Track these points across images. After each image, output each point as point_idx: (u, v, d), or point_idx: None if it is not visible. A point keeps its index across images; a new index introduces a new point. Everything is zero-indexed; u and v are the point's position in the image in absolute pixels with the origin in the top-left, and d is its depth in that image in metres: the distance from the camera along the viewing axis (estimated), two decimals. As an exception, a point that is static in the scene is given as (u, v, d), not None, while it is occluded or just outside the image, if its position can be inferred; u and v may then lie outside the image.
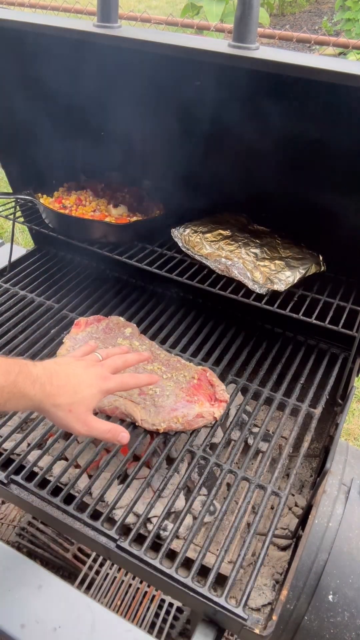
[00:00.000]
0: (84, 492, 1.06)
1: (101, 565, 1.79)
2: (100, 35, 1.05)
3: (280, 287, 1.28)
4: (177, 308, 1.55)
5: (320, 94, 1.10)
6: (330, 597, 1.04)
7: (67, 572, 1.84)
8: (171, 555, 1.03)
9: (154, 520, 1.08)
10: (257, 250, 1.37)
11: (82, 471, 1.11)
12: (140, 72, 1.32)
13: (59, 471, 1.11)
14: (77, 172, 1.69)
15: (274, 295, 1.28)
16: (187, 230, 1.43)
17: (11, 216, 1.59)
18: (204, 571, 0.98)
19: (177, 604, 1.71)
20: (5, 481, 1.07)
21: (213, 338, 1.44)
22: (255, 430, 1.35)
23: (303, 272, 1.32)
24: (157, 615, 1.69)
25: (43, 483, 1.07)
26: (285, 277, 1.30)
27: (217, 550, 1.01)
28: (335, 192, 1.28)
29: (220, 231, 1.43)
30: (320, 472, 1.13)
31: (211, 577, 0.93)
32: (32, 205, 1.61)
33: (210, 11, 5.06)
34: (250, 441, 1.32)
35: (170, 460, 1.22)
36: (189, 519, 1.12)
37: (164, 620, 1.68)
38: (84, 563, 1.81)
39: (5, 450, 1.15)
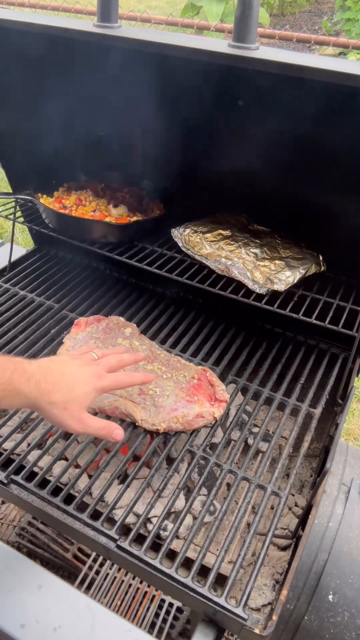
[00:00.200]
0: (84, 492, 1.06)
1: (101, 565, 1.79)
2: (100, 35, 1.05)
3: (280, 287, 1.28)
4: (177, 308, 1.55)
5: (321, 94, 1.09)
6: (330, 597, 1.04)
7: (67, 572, 1.84)
8: (171, 555, 1.03)
9: (154, 520, 1.08)
10: (257, 250, 1.37)
11: (82, 471, 1.11)
12: (140, 72, 1.32)
13: (59, 471, 1.11)
14: (77, 172, 1.69)
15: (274, 295, 1.28)
16: (187, 230, 1.43)
17: (11, 216, 1.59)
18: (204, 571, 0.98)
19: (177, 604, 1.71)
20: (5, 481, 1.07)
21: (213, 338, 1.44)
22: (255, 430, 1.35)
23: (303, 272, 1.32)
24: (157, 615, 1.69)
25: (43, 483, 1.07)
26: (285, 277, 1.30)
27: (217, 550, 1.01)
28: (335, 192, 1.28)
29: (220, 231, 1.43)
30: (320, 472, 1.13)
31: (211, 577, 0.93)
32: (32, 205, 1.61)
33: (210, 11, 5.06)
34: (250, 441, 1.32)
35: (170, 460, 1.22)
36: (189, 519, 1.12)
37: (164, 620, 1.68)
38: (84, 563, 1.81)
39: (5, 450, 1.15)
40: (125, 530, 1.05)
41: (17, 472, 1.09)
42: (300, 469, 1.31)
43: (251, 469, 1.28)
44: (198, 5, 5.29)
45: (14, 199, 1.60)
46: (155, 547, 1.02)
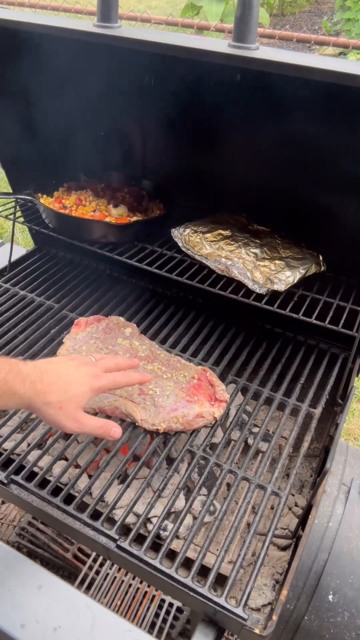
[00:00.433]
0: (84, 492, 1.06)
1: (101, 565, 1.79)
2: (100, 35, 1.05)
3: (280, 287, 1.28)
4: (177, 308, 1.55)
5: (321, 94, 1.09)
6: (330, 597, 1.04)
7: (67, 572, 1.84)
8: (171, 555, 1.03)
9: (154, 520, 1.08)
10: (257, 250, 1.37)
11: (82, 471, 1.11)
12: (140, 72, 1.32)
13: (59, 471, 1.11)
14: (77, 172, 1.69)
15: (274, 295, 1.28)
16: (187, 230, 1.43)
17: (11, 216, 1.59)
18: (204, 571, 0.98)
19: (177, 604, 1.71)
20: (5, 481, 1.07)
21: (213, 338, 1.44)
22: (255, 430, 1.35)
23: (303, 272, 1.32)
24: (157, 615, 1.69)
25: (43, 483, 1.07)
26: (285, 277, 1.30)
27: (217, 550, 1.01)
28: (335, 192, 1.28)
29: (220, 231, 1.43)
30: (320, 472, 1.13)
31: (211, 577, 0.93)
32: (32, 205, 1.61)
33: (210, 11, 5.06)
34: (250, 441, 1.32)
35: (170, 460, 1.22)
36: (189, 519, 1.12)
37: (164, 620, 1.68)
38: (84, 563, 1.81)
39: (5, 450, 1.15)
40: (125, 530, 1.05)
41: (17, 472, 1.09)
42: (300, 469, 1.31)
43: (251, 469, 1.28)
44: (198, 5, 5.29)
45: (14, 199, 1.60)
46: (155, 547, 1.03)
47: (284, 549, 1.12)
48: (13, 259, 1.69)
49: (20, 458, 1.12)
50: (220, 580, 0.98)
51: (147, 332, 1.45)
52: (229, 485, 1.25)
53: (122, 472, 1.16)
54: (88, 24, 1.09)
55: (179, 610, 1.70)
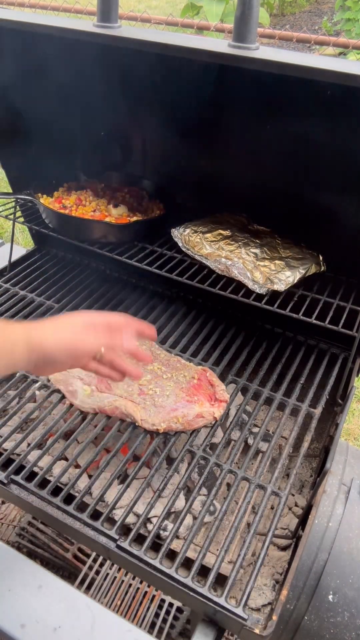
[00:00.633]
0: (84, 492, 1.06)
1: (101, 565, 1.79)
2: (100, 35, 1.05)
3: (280, 287, 1.28)
4: (177, 308, 1.55)
5: (321, 93, 1.10)
6: (330, 597, 1.04)
7: (67, 572, 1.84)
8: (171, 555, 1.03)
9: (154, 520, 1.08)
10: (257, 250, 1.37)
11: (82, 471, 1.11)
12: (140, 72, 1.32)
13: (59, 471, 1.11)
14: (77, 172, 1.69)
15: (274, 295, 1.28)
16: (187, 230, 1.43)
17: (11, 216, 1.59)
18: (204, 571, 0.98)
19: (177, 604, 1.71)
20: (5, 481, 1.07)
21: (213, 338, 1.44)
22: (255, 430, 1.35)
23: (303, 272, 1.32)
24: (157, 615, 1.69)
25: (43, 483, 1.07)
26: (285, 277, 1.30)
27: (217, 550, 1.01)
28: (335, 192, 1.28)
29: (220, 231, 1.43)
30: (320, 472, 1.13)
31: (211, 577, 0.93)
32: (32, 205, 1.61)
33: (210, 11, 5.06)
34: (250, 441, 1.32)
35: (170, 460, 1.22)
36: (189, 519, 1.12)
37: (164, 620, 1.68)
38: (84, 563, 1.81)
39: (5, 450, 1.15)
40: (125, 530, 1.05)
41: (17, 472, 1.09)
42: (300, 469, 1.31)
43: (251, 469, 1.28)
44: (198, 5, 5.29)
45: (14, 199, 1.60)
46: (155, 547, 1.03)
47: (284, 549, 1.12)
48: (13, 259, 1.69)
49: (20, 458, 1.12)
50: (220, 580, 0.98)
51: (147, 332, 1.45)
52: (229, 485, 1.25)
53: (122, 472, 1.16)
54: (88, 24, 1.09)
55: (179, 610, 1.70)
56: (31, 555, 1.84)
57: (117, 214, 1.53)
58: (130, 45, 1.04)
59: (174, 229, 1.45)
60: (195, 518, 1.12)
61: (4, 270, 1.67)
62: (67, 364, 0.97)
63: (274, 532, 1.00)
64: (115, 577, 1.77)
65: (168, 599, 1.72)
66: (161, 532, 1.05)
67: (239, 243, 1.39)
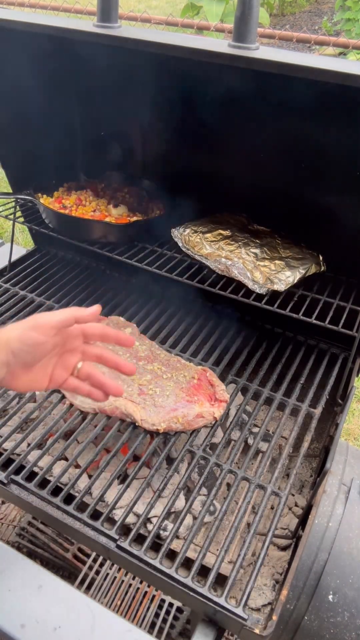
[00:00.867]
0: (84, 492, 1.06)
1: (101, 565, 1.79)
2: (100, 35, 1.05)
3: (280, 287, 1.28)
4: (177, 308, 1.55)
5: (321, 93, 1.10)
6: (330, 597, 1.04)
7: (67, 572, 1.84)
8: (171, 555, 1.03)
9: (154, 520, 1.08)
10: (257, 250, 1.37)
11: (82, 471, 1.11)
12: (140, 72, 1.32)
13: (59, 471, 1.11)
14: (77, 172, 1.69)
15: (274, 295, 1.28)
16: (187, 230, 1.43)
17: (11, 216, 1.59)
18: (204, 571, 0.98)
19: (177, 604, 1.71)
20: (5, 481, 1.07)
21: (213, 338, 1.44)
22: (255, 430, 1.35)
23: (303, 272, 1.32)
24: (157, 615, 1.69)
25: (43, 483, 1.07)
26: (285, 277, 1.30)
27: (217, 550, 1.01)
28: (335, 192, 1.28)
29: (220, 231, 1.43)
30: (320, 472, 1.13)
31: (211, 577, 0.93)
32: (32, 205, 1.61)
33: (210, 11, 5.06)
34: (250, 441, 1.32)
35: (170, 460, 1.22)
36: (189, 519, 1.12)
37: (164, 620, 1.68)
38: (84, 563, 1.81)
39: (5, 450, 1.15)
40: (125, 530, 1.05)
41: (17, 472, 1.09)
42: (300, 469, 1.31)
43: (251, 469, 1.28)
44: (198, 5, 5.28)
45: (14, 199, 1.60)
46: (155, 547, 1.03)
47: (284, 549, 1.12)
48: (13, 259, 1.69)
49: (20, 458, 1.12)
50: (220, 580, 0.98)
51: (147, 332, 1.45)
52: (229, 485, 1.25)
53: (122, 472, 1.17)
54: (88, 24, 1.09)
55: (179, 610, 1.69)
56: (31, 555, 1.84)
57: (117, 214, 1.53)
58: (130, 45, 1.04)
59: (174, 229, 1.45)
60: (195, 518, 1.12)
61: (4, 270, 1.67)
62: (30, 354, 0.86)
63: (274, 532, 1.00)
64: (115, 577, 1.77)
65: (168, 599, 1.72)
66: (161, 532, 1.05)
67: (239, 243, 1.39)
